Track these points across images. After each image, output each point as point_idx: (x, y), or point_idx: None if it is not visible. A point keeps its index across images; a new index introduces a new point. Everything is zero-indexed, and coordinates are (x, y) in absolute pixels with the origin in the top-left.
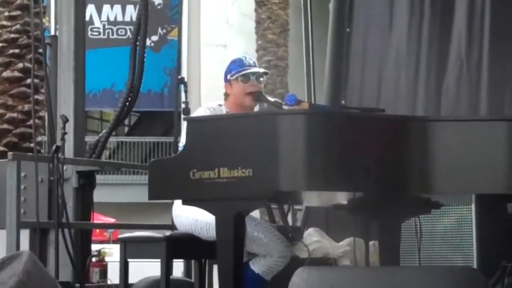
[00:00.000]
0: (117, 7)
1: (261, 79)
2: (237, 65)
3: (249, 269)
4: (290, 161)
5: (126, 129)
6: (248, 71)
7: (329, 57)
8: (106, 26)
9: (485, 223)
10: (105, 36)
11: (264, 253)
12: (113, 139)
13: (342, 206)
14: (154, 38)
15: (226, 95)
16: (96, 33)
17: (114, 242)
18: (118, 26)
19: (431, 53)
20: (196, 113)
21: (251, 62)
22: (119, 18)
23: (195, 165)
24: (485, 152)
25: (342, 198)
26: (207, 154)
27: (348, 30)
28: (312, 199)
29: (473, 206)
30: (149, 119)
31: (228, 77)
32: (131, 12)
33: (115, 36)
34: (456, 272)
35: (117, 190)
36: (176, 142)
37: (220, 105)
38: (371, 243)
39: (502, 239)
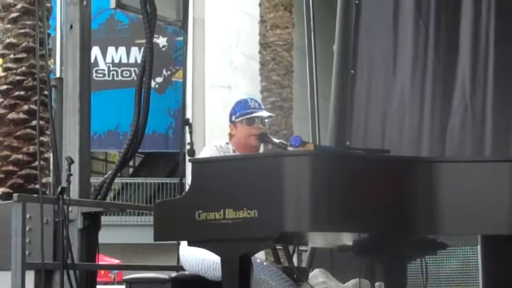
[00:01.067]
0: (122, 49)
1: (266, 121)
2: (242, 107)
3: None
4: (295, 202)
5: (131, 170)
6: (253, 114)
7: (334, 98)
8: (111, 68)
9: (491, 264)
10: (110, 78)
11: None
12: (118, 180)
13: (347, 247)
14: (159, 79)
15: (231, 135)
16: (101, 75)
17: (119, 283)
18: (122, 68)
19: (435, 94)
20: (203, 151)
21: (256, 105)
22: (124, 60)
23: (200, 206)
24: (490, 193)
25: (347, 239)
26: (212, 195)
27: (352, 71)
28: (318, 240)
29: (478, 247)
30: (154, 160)
31: (233, 118)
32: (136, 54)
33: (119, 77)
34: None
35: (121, 231)
36: (182, 183)
37: (227, 143)
38: (376, 284)
39: (509, 280)
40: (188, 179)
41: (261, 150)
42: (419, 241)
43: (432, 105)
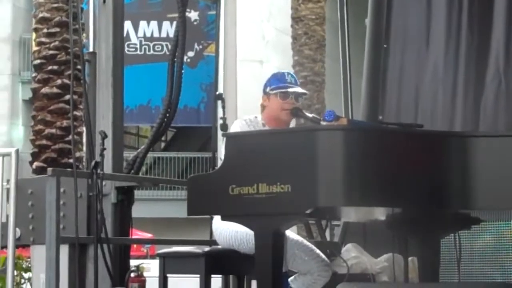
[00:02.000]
0: (154, 23)
1: (300, 98)
2: (278, 80)
3: (288, 287)
4: (328, 177)
5: (163, 144)
6: (288, 89)
7: (366, 72)
8: (143, 42)
9: None
10: (142, 52)
11: (304, 271)
12: (150, 155)
13: (380, 222)
14: (191, 54)
15: (262, 106)
16: (133, 49)
17: (152, 257)
18: (154, 42)
19: (468, 68)
20: (233, 125)
21: (292, 80)
22: (156, 34)
23: (234, 181)
24: None
25: (380, 213)
26: (246, 170)
27: (385, 45)
28: (350, 214)
29: None
30: (185, 134)
31: (267, 90)
32: (167, 28)
33: (151, 52)
34: None
35: (154, 206)
36: (214, 157)
37: (256, 117)
38: (409, 259)
39: None
40: (220, 154)
41: (293, 124)
42: (453, 216)
43: (465, 79)
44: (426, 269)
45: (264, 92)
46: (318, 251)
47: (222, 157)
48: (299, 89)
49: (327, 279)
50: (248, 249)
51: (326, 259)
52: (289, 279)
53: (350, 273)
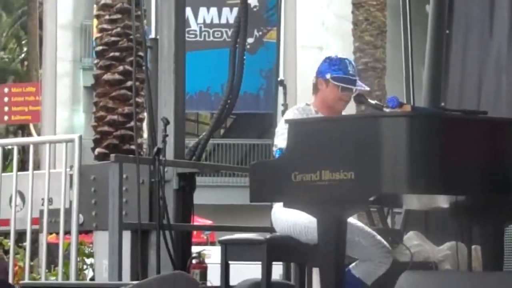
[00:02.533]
0: (213, 10)
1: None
2: (340, 70)
3: (349, 274)
4: (392, 164)
5: (222, 131)
6: (351, 86)
7: (428, 59)
8: (203, 29)
9: None
10: (202, 39)
11: (365, 258)
12: (209, 141)
13: (442, 209)
14: (250, 40)
15: (316, 88)
16: (193, 36)
17: (212, 244)
18: (214, 29)
19: None
20: (286, 115)
21: (354, 72)
22: (215, 21)
23: (296, 168)
24: None
25: (443, 201)
26: (309, 157)
27: (447, 31)
28: (413, 202)
29: None
30: (244, 121)
31: (328, 76)
32: (227, 15)
33: (211, 38)
34: None
35: (213, 192)
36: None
37: (307, 104)
38: (473, 247)
39: None
40: (277, 141)
41: (352, 111)
42: None
43: None
44: (489, 258)
45: (322, 76)
46: (379, 237)
47: (276, 143)
48: (362, 87)
49: (388, 266)
50: (307, 240)
51: (387, 245)
52: (350, 266)
53: (412, 261)
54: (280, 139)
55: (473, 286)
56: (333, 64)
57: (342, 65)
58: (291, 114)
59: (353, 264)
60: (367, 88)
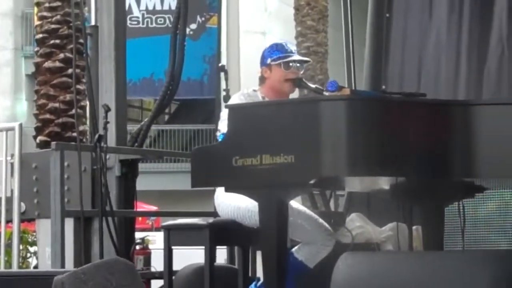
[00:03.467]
0: None
1: (302, 66)
2: (278, 51)
3: (292, 257)
4: (332, 147)
5: (166, 117)
6: (291, 58)
7: (369, 42)
8: (145, 15)
9: None
10: (144, 25)
11: (307, 241)
12: (153, 128)
13: (384, 191)
14: (193, 26)
15: (262, 79)
16: (135, 23)
17: (157, 230)
18: (157, 15)
19: (472, 37)
20: (231, 100)
21: (293, 49)
22: (158, 7)
23: (237, 152)
24: None
25: (384, 183)
26: (249, 141)
27: (387, 15)
28: (354, 184)
29: None
30: (189, 107)
31: (268, 61)
32: (170, 1)
33: (154, 25)
34: (501, 256)
35: (158, 178)
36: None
37: (254, 90)
38: (414, 227)
39: None
40: (220, 126)
41: (296, 95)
42: (457, 185)
43: (468, 47)
44: (430, 238)
45: (265, 64)
46: (321, 220)
47: (219, 128)
48: (301, 57)
49: (331, 248)
50: (250, 224)
51: (329, 228)
52: (293, 249)
53: (354, 243)
54: (223, 124)
55: (412, 265)
56: (270, 50)
57: (279, 47)
58: (236, 99)
59: (296, 247)
60: (307, 59)
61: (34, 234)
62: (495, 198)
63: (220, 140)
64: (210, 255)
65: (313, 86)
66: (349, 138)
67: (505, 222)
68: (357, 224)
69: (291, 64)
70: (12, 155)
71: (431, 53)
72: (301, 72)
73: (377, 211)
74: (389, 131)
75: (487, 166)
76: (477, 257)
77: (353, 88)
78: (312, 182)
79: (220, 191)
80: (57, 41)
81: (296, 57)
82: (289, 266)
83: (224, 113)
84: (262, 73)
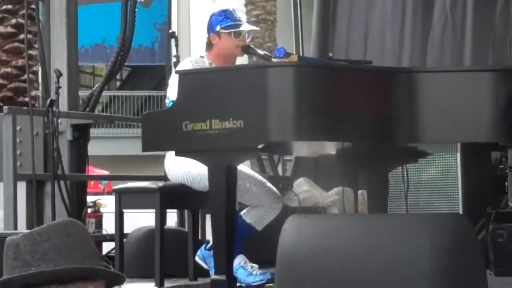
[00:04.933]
0: None
1: (249, 33)
2: (228, 19)
3: (241, 219)
4: (279, 112)
5: (118, 83)
6: (241, 28)
7: (316, 10)
8: None
9: (470, 171)
10: None
11: (255, 204)
12: (105, 93)
13: (330, 156)
14: None
15: (210, 45)
16: None
17: (108, 193)
18: None
19: (416, 6)
20: (179, 66)
21: (241, 16)
22: None
23: (187, 117)
24: (470, 102)
25: (330, 148)
26: (199, 106)
27: None
28: (302, 149)
29: (458, 154)
30: (140, 73)
31: (218, 28)
32: None
33: None
34: (443, 219)
35: (110, 143)
36: None
37: (202, 56)
38: (359, 192)
39: (487, 187)
40: (169, 92)
41: (246, 61)
42: (401, 150)
43: (413, 16)
44: (375, 202)
45: (213, 30)
46: (268, 184)
47: (169, 95)
48: (251, 27)
49: (278, 211)
50: (200, 188)
51: (276, 191)
52: (241, 213)
53: (301, 206)
54: (172, 90)
55: (356, 227)
56: (219, 17)
57: (228, 14)
58: (184, 65)
59: (244, 210)
60: (257, 28)
61: None
62: (437, 163)
63: (169, 106)
64: (161, 218)
65: (261, 52)
66: (296, 103)
67: (447, 187)
68: (304, 188)
69: (242, 33)
70: None
71: (376, 22)
72: (249, 40)
73: (323, 175)
74: (335, 97)
75: (430, 131)
76: (420, 220)
77: (301, 55)
78: (260, 146)
79: (170, 156)
80: (9, 6)
81: (246, 26)
82: (238, 229)
83: (172, 80)
84: (210, 40)
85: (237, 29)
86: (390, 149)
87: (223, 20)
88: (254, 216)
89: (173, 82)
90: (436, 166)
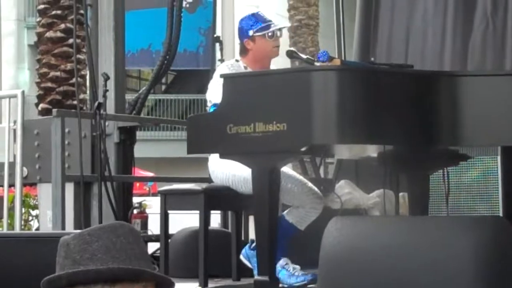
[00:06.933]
0: None
1: (281, 32)
2: (258, 21)
3: (283, 219)
4: (322, 116)
5: (164, 87)
6: (274, 27)
7: (359, 15)
8: None
9: (510, 174)
10: None
11: (297, 204)
12: (151, 97)
13: (372, 159)
14: None
15: (245, 50)
16: None
17: (154, 195)
18: None
19: (457, 10)
20: (217, 70)
21: (268, 17)
22: None
23: (231, 120)
24: (510, 105)
25: (372, 151)
26: (243, 109)
27: None
28: (344, 152)
29: (498, 157)
30: (185, 77)
31: (251, 33)
32: None
33: None
34: (484, 221)
35: (155, 146)
36: None
37: (237, 60)
38: (400, 194)
39: None
40: (210, 96)
41: (288, 66)
42: (442, 153)
43: (454, 21)
44: (415, 204)
45: (246, 36)
46: (310, 184)
47: (210, 98)
48: (281, 24)
49: (319, 211)
50: (244, 192)
51: (318, 192)
52: (284, 213)
53: (343, 208)
54: (213, 94)
55: (397, 228)
56: (249, 21)
57: (257, 17)
58: (222, 69)
59: (287, 210)
60: (288, 25)
61: (36, 198)
62: (478, 166)
63: (211, 110)
64: (205, 219)
65: (304, 56)
66: (339, 106)
67: (487, 189)
68: (345, 190)
69: (277, 33)
70: (15, 122)
71: (418, 26)
72: (280, 37)
73: (365, 178)
74: (377, 101)
75: (471, 135)
76: (461, 223)
77: (343, 59)
78: (303, 149)
79: (214, 159)
80: (59, 11)
81: (279, 25)
82: (281, 229)
83: (212, 84)
84: (245, 45)
85: (270, 30)
86: (431, 152)
87: (253, 24)
88: (296, 216)
89: (214, 85)
90: (476, 168)
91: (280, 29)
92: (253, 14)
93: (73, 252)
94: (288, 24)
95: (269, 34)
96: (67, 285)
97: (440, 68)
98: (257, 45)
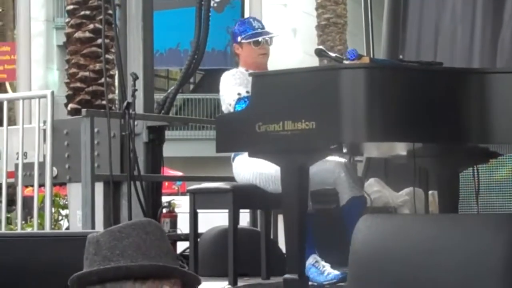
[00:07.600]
0: None
1: (270, 40)
2: (247, 28)
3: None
4: (351, 114)
5: (192, 86)
6: (259, 37)
7: (387, 13)
8: None
9: None
10: None
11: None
12: (179, 96)
13: (401, 157)
14: None
15: (237, 55)
16: None
17: (183, 194)
18: None
19: (486, 6)
20: (222, 79)
21: (260, 25)
22: None
23: (260, 119)
24: None
25: (401, 149)
26: (272, 108)
27: None
28: (373, 150)
29: None
30: (213, 76)
31: (239, 39)
32: None
33: None
34: None
35: (184, 145)
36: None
37: (238, 68)
38: (430, 192)
39: None
40: (224, 91)
41: (317, 64)
42: (472, 150)
43: (483, 17)
44: (445, 202)
45: (236, 41)
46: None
47: (224, 97)
48: (270, 34)
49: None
50: (273, 190)
51: None
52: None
53: (372, 206)
54: (226, 92)
55: (428, 227)
56: (239, 28)
57: (247, 24)
58: (226, 78)
59: None
60: (277, 35)
61: (66, 197)
62: (508, 163)
63: (236, 109)
64: (234, 218)
65: (333, 55)
66: (368, 104)
67: None
68: (375, 188)
69: (260, 40)
70: (45, 122)
71: (447, 23)
72: (270, 46)
73: (394, 176)
74: (406, 98)
75: (502, 132)
76: (491, 221)
77: (372, 57)
78: (332, 147)
79: (239, 160)
80: (87, 12)
81: (264, 35)
82: (310, 227)
83: (223, 83)
84: (235, 50)
85: (255, 38)
86: (461, 150)
87: (242, 31)
88: None
89: (225, 84)
90: (507, 166)
91: (269, 38)
92: (244, 21)
93: (103, 248)
94: (277, 34)
95: (254, 42)
96: (97, 282)
97: (469, 65)
98: (244, 51)
